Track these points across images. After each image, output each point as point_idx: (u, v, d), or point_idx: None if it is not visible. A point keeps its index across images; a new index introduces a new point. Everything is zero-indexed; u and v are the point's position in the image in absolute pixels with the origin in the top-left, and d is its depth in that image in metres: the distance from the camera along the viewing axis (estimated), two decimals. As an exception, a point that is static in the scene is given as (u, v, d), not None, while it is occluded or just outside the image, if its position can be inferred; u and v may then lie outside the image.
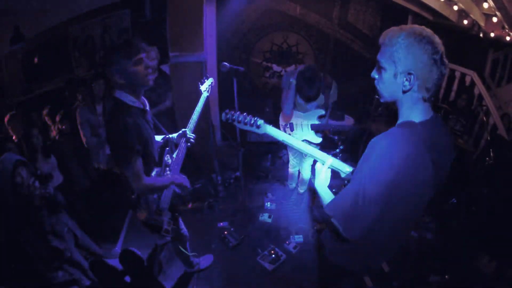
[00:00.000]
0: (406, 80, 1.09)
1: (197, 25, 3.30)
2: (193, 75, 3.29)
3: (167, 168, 1.96)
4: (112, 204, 3.19)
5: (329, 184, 1.42)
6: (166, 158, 1.97)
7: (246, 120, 1.63)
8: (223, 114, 1.72)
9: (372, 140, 1.16)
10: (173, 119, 2.26)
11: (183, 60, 3.34)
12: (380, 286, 2.31)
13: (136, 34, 3.92)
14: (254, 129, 1.64)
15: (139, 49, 1.60)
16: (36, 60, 4.19)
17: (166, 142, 2.07)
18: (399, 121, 1.19)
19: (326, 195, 1.34)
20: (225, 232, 3.04)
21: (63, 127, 3.33)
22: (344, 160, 1.50)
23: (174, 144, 2.10)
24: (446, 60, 1.09)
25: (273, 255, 2.79)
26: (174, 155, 2.02)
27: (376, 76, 1.20)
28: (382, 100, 1.23)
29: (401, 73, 1.09)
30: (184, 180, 1.95)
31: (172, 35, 3.28)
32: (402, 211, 1.21)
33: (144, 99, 1.82)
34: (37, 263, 2.11)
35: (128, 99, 1.68)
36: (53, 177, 3.00)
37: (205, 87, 2.36)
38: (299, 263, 2.77)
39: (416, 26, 1.11)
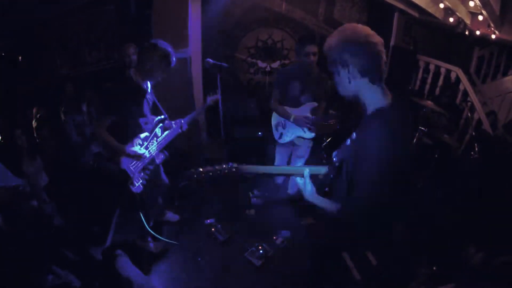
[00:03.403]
0: (347, 71, 1.21)
1: (182, 21, 3.29)
2: (177, 72, 3.26)
3: (156, 138, 2.49)
4: (99, 203, 3.14)
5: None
6: (157, 130, 2.49)
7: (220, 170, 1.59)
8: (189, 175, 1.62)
9: (357, 137, 1.32)
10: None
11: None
12: (368, 279, 2.31)
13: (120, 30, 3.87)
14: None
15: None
16: (19, 58, 4.11)
17: (163, 120, 2.53)
18: (369, 111, 1.27)
19: (323, 203, 1.41)
20: (212, 229, 3.03)
21: (46, 127, 3.27)
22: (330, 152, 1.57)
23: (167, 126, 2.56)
24: (373, 40, 1.18)
25: (261, 251, 2.79)
26: (165, 133, 2.54)
27: (338, 88, 1.32)
28: (347, 99, 1.33)
29: (341, 68, 1.22)
30: (139, 158, 2.35)
31: (156, 32, 3.26)
32: (393, 179, 1.29)
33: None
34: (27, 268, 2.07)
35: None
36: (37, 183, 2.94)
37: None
38: (287, 258, 2.78)
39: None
